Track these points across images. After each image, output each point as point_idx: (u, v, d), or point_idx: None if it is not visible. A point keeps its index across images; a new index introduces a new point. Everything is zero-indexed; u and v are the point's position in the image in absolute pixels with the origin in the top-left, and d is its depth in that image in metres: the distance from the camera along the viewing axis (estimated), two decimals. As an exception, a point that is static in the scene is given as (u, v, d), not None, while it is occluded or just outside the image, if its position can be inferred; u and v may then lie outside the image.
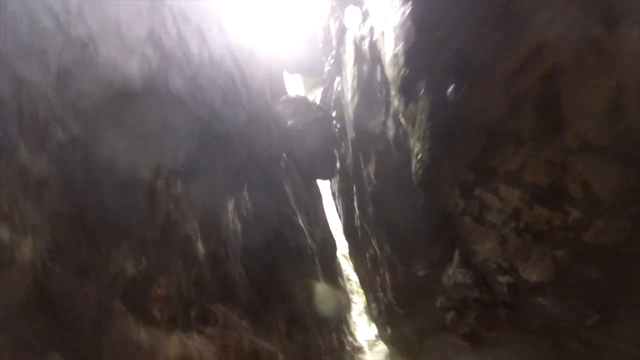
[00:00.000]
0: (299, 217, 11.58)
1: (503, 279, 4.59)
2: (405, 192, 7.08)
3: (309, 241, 11.91)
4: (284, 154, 12.18)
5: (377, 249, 9.95)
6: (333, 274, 13.96)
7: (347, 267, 17.23)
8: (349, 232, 13.25)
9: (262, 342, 7.16)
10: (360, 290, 16.49)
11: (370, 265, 11.96)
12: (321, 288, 11.98)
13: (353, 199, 11.00)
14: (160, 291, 4.79)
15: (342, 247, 16.59)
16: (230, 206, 7.87)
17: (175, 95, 6.44)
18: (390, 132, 7.23)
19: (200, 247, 6.12)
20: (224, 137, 7.92)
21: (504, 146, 3.91)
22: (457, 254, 6.07)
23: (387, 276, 9.46)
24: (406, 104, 5.43)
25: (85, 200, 3.86)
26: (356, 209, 10.79)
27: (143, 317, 4.24)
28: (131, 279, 4.31)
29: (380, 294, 11.57)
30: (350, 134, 9.79)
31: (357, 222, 11.83)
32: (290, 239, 10.41)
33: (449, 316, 6.87)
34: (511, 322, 5.52)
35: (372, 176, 8.38)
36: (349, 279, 16.67)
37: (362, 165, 9.08)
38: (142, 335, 4.12)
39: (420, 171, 5.36)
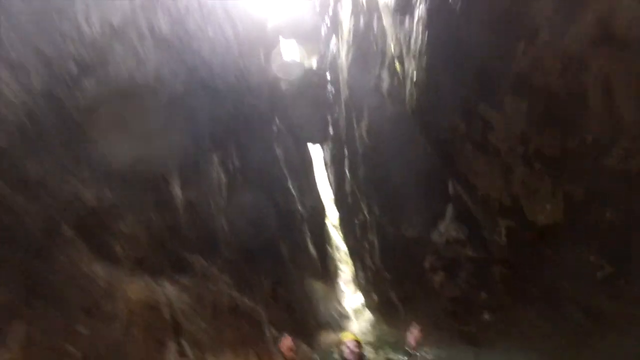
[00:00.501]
0: (289, 182, 10.98)
1: (504, 223, 4.00)
2: (398, 145, 6.49)
3: (299, 206, 11.35)
4: (276, 118, 11.52)
5: (366, 214, 9.39)
6: (322, 242, 13.44)
7: (336, 237, 16.74)
8: (340, 199, 12.70)
9: (244, 299, 6.61)
10: (349, 260, 16.05)
11: (359, 233, 11.43)
12: (310, 254, 11.46)
13: (344, 164, 10.41)
14: (126, 229, 4.19)
15: (333, 218, 16.06)
16: (216, 158, 7.25)
17: (159, 36, 5.77)
18: (385, 84, 6.61)
19: (177, 192, 5.51)
20: (210, 87, 7.27)
21: (514, 42, 3.14)
22: (450, 207, 5.51)
23: (375, 241, 8.92)
24: (401, 22, 4.78)
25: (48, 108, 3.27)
26: (347, 173, 10.20)
27: (100, 252, 3.66)
28: (90, 209, 3.71)
29: (368, 261, 11.07)
30: (344, 94, 9.16)
31: (348, 187, 11.27)
32: (279, 200, 9.82)
33: (438, 277, 6.34)
34: (506, 283, 4.97)
35: (364, 134, 7.77)
36: (337, 248, 16.18)
37: (355, 125, 8.47)
38: (98, 271, 3.54)
39: (416, 95, 4.73)
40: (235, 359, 5.53)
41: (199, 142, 6.42)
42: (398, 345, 8.28)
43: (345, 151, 9.85)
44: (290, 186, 10.91)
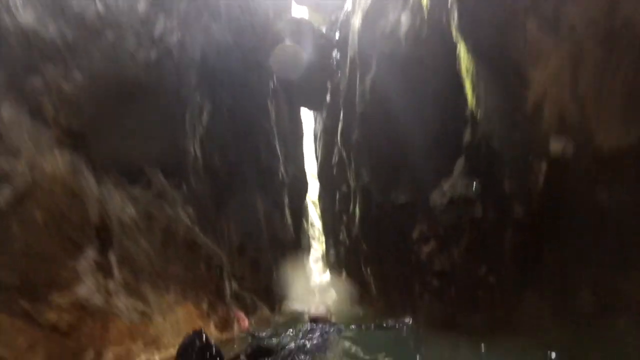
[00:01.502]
0: (277, 141, 9.74)
1: (557, 147, 2.83)
2: (407, 95, 5.32)
3: (282, 169, 10.10)
4: (274, 75, 10.26)
5: (351, 183, 8.23)
6: (299, 214, 12.22)
7: (313, 214, 15.56)
8: (323, 173, 11.51)
9: (207, 240, 5.37)
10: (322, 238, 14.89)
11: (338, 207, 10.27)
12: (285, 222, 10.24)
13: (336, 132, 9.20)
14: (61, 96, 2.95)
15: (313, 194, 14.87)
16: (205, 85, 6.00)
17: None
18: (403, 28, 5.44)
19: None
20: (204, 20, 6.00)
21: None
22: (460, 161, 4.37)
23: (357, 211, 7.75)
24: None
25: None
26: (338, 140, 9.00)
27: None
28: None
29: (343, 236, 9.91)
30: (351, 52, 7.95)
31: (335, 159, 10.08)
32: (262, 154, 8.59)
33: (427, 248, 5.18)
34: (517, 255, 3.84)
35: (367, 91, 6.60)
36: (312, 225, 15.01)
37: (357, 85, 7.28)
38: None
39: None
40: (182, 301, 4.29)
41: (180, 62, 5.12)
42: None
43: (341, 116, 8.64)
44: (277, 145, 9.67)
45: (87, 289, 2.78)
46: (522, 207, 3.57)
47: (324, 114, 11.27)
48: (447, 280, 4.92)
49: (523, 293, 3.96)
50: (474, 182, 4.08)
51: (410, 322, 5.44)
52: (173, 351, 3.79)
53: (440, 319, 5.16)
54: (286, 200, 10.51)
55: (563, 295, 3.72)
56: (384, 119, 6.10)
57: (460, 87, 4.31)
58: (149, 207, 4.11)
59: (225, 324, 5.11)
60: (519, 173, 3.40)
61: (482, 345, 4.14)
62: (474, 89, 3.88)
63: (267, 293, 7.84)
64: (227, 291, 5.70)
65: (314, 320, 6.61)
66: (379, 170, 6.58)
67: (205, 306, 4.75)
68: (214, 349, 2.83)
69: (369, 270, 7.61)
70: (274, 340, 3.49)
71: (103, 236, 3.06)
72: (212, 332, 4.84)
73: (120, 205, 3.62)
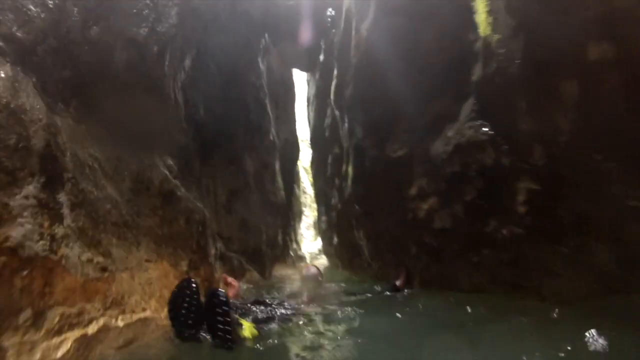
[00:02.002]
0: (268, 101, 9.02)
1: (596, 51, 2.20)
2: (407, 37, 4.65)
3: (273, 131, 9.42)
4: (266, 33, 9.45)
5: (344, 142, 7.58)
6: (291, 179, 11.62)
7: (305, 181, 14.97)
8: (316, 137, 10.84)
9: (189, 194, 4.74)
10: (313, 205, 14.35)
11: (330, 170, 9.64)
12: (277, 185, 9.62)
13: (329, 92, 8.48)
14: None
15: (305, 161, 14.25)
16: (182, 27, 5.24)
17: None
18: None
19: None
20: None
21: None
22: (468, 104, 3.74)
23: (349, 170, 7.14)
24: None
25: None
26: (331, 102, 8.30)
27: None
28: None
29: (335, 201, 9.33)
30: (347, 2, 7.18)
31: (328, 120, 9.41)
32: (252, 112, 7.89)
33: (427, 205, 4.61)
34: (534, 206, 3.27)
35: (363, 39, 5.89)
36: (304, 192, 14.43)
37: (353, 35, 6.56)
38: None
39: None
40: (156, 258, 3.69)
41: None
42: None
43: (335, 73, 7.93)
44: (267, 105, 8.96)
45: (23, 231, 2.15)
46: (543, 150, 2.98)
47: (317, 76, 10.51)
48: (448, 239, 4.36)
49: (535, 249, 3.41)
50: (486, 124, 3.47)
51: (406, 292, 4.95)
52: (144, 316, 3.22)
53: (439, 280, 4.63)
54: (277, 164, 9.87)
55: (579, 251, 3.19)
56: (381, 68, 5.41)
57: (469, 17, 3.65)
58: (118, 149, 3.46)
59: (209, 287, 4.55)
60: (543, 107, 2.79)
61: (486, 306, 3.63)
62: (489, 12, 3.22)
63: (257, 256, 7.29)
64: (212, 251, 5.11)
65: (305, 280, 6.16)
66: (374, 124, 5.95)
67: (184, 266, 4.16)
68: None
69: (361, 232, 7.06)
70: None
71: (50, 170, 2.41)
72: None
73: (81, 141, 2.96)
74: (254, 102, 8.06)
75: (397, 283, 5.09)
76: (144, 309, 3.15)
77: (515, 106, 3.07)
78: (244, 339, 2.76)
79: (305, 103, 12.83)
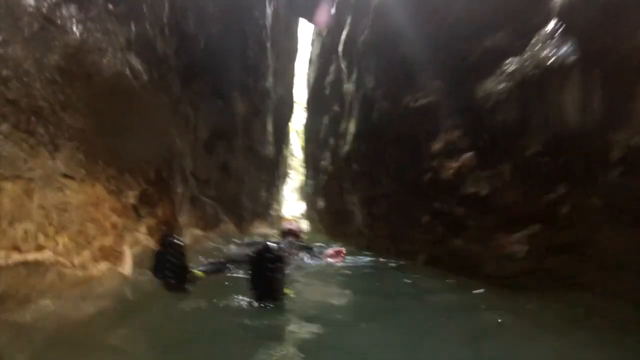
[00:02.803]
0: (269, 45, 7.55)
1: None
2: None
3: (270, 79, 7.99)
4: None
5: (348, 97, 6.25)
6: (282, 138, 10.24)
7: (295, 144, 13.61)
8: (314, 96, 9.46)
9: (157, 110, 3.37)
10: (300, 169, 13.06)
11: (325, 132, 8.33)
12: (266, 137, 8.25)
13: (337, 45, 7.07)
14: None
15: (297, 124, 12.86)
16: None
17: None
18: None
19: None
20: None
21: None
22: (549, 26, 2.45)
23: (351, 126, 5.84)
24: None
25: None
26: (339, 53, 6.90)
27: None
28: None
29: (326, 163, 8.05)
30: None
31: (330, 77, 8.02)
32: (250, 48, 6.44)
33: (456, 162, 3.38)
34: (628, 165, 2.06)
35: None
36: (292, 154, 13.09)
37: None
38: None
39: None
40: (85, 177, 2.34)
41: None
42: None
43: (348, 20, 6.50)
44: (269, 49, 7.50)
45: None
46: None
47: (324, 33, 9.05)
48: (480, 209, 3.13)
49: (614, 232, 2.22)
50: (570, 43, 2.20)
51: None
52: (39, 258, 1.91)
53: (453, 261, 3.44)
54: (270, 116, 8.48)
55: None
56: (408, 7, 4.09)
57: None
58: (51, 13, 2.07)
59: (166, 233, 3.25)
60: None
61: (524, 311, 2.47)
62: None
63: (235, 206, 5.98)
64: (179, 189, 3.79)
65: (285, 233, 5.22)
66: (389, 72, 4.62)
67: (132, 197, 2.83)
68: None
69: (355, 197, 5.82)
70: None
71: None
72: (140, 240, 2.96)
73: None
74: (254, 39, 6.60)
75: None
76: (39, 248, 1.83)
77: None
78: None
79: (307, 64, 11.37)
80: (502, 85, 2.79)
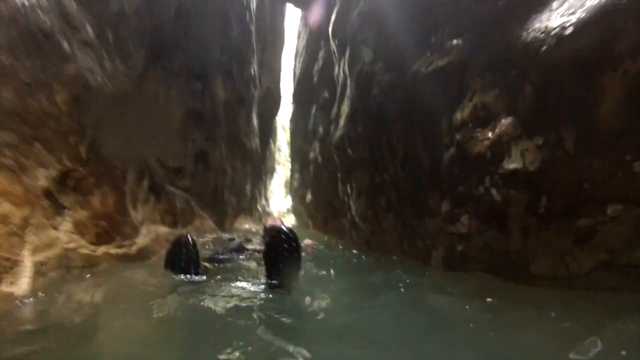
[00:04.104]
0: (253, 29, 6.48)
1: None
2: None
3: (255, 67, 6.92)
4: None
5: (341, 77, 5.23)
6: (268, 131, 9.16)
7: (282, 139, 12.52)
8: (301, 88, 8.38)
9: (104, 73, 2.26)
10: (287, 164, 11.97)
11: (312, 122, 7.29)
12: (252, 130, 7.16)
13: (326, 31, 6.03)
14: None
15: (284, 119, 11.78)
16: None
17: None
18: None
19: None
20: None
21: None
22: None
23: (344, 108, 4.82)
24: None
25: None
26: (330, 35, 5.85)
27: None
28: None
29: (314, 154, 7.02)
30: None
31: (319, 63, 7.00)
32: (233, 29, 5.37)
33: (492, 132, 2.39)
34: None
35: None
36: (279, 149, 12.00)
37: None
38: None
39: None
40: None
41: None
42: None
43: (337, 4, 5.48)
44: (253, 34, 6.42)
45: None
46: None
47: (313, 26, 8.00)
48: (528, 189, 2.16)
49: None
50: None
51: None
52: None
53: (487, 259, 2.46)
54: (255, 107, 7.40)
55: None
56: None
57: None
58: None
59: (113, 234, 2.17)
60: None
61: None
62: None
63: (215, 200, 4.89)
64: (131, 176, 2.70)
65: (270, 230, 4.08)
66: (392, 41, 3.62)
67: (43, 180, 1.76)
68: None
69: (349, 187, 4.80)
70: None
71: None
72: (57, 241, 1.88)
73: None
74: (237, 18, 5.52)
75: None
76: None
77: None
78: None
79: (294, 58, 10.29)
80: (565, 18, 1.81)
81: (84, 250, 1.95)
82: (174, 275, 2.18)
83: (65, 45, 1.97)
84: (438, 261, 2.94)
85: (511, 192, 2.25)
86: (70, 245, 1.88)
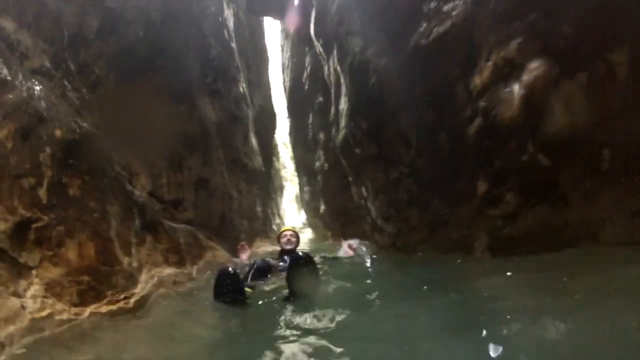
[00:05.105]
0: (234, 46, 6.18)
1: None
2: None
3: (243, 84, 6.59)
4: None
5: (332, 78, 4.85)
6: (269, 150, 8.80)
7: (285, 156, 12.17)
8: (294, 99, 8.04)
9: (57, 102, 1.88)
10: (294, 179, 11.57)
11: (312, 130, 6.95)
12: (252, 149, 6.80)
13: (308, 34, 5.69)
14: None
15: (282, 135, 11.44)
16: None
17: None
18: None
19: None
20: None
21: None
22: None
23: (343, 104, 4.41)
24: None
25: None
26: (312, 35, 5.52)
27: None
28: None
29: (319, 163, 6.62)
30: None
31: (307, 70, 6.68)
32: (213, 47, 5.05)
33: (522, 86, 1.94)
34: None
35: None
36: (284, 166, 11.63)
37: None
38: None
39: None
40: None
41: None
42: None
43: (314, 4, 5.14)
44: (235, 51, 6.11)
45: None
46: None
47: (292, 30, 7.69)
48: (579, 150, 1.72)
49: None
50: None
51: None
52: None
53: (545, 238, 2.00)
54: (251, 126, 7.05)
55: None
56: None
57: None
58: None
59: (102, 289, 1.77)
60: None
61: None
62: None
63: (223, 227, 4.48)
64: (116, 217, 2.30)
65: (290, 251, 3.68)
66: (384, 16, 3.23)
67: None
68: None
69: (363, 188, 4.36)
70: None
71: None
72: (22, 310, 1.48)
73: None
74: (215, 39, 5.20)
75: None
76: None
77: None
78: None
79: (281, 72, 10.00)
80: None
81: (64, 316, 1.54)
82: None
83: (6, 72, 1.61)
84: (483, 250, 2.47)
85: (563, 152, 1.81)
86: (43, 313, 1.48)
